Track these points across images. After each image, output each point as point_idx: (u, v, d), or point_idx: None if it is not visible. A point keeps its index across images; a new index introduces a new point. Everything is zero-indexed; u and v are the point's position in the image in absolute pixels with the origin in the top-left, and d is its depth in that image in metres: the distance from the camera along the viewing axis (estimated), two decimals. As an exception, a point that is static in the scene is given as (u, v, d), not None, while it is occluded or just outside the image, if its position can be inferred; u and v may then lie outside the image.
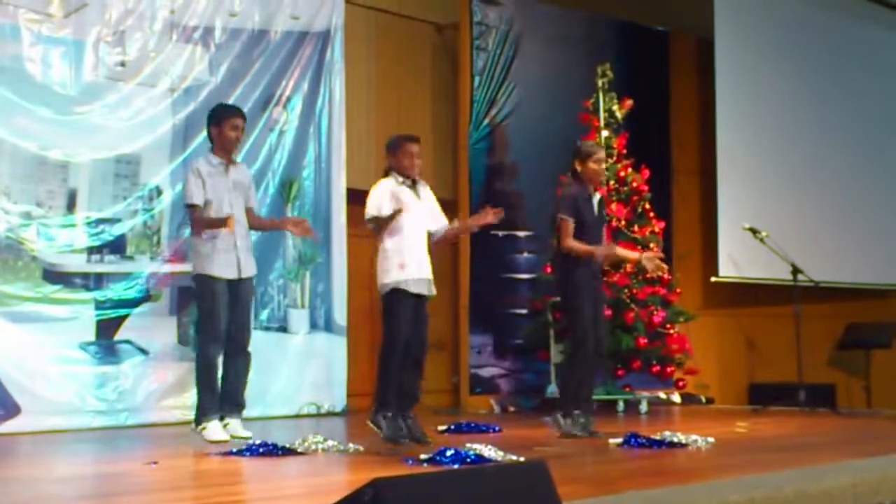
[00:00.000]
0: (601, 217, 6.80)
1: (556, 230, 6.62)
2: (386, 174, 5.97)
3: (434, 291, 5.92)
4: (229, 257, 6.18)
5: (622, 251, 7.32)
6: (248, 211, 6.43)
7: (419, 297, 5.81)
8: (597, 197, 6.75)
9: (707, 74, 11.06)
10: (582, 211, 6.60)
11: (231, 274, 6.18)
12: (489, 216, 6.07)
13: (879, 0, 12.40)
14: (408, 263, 5.74)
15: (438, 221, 6.05)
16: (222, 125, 6.28)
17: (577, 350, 6.60)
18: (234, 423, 6.15)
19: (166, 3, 7.98)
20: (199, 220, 6.19)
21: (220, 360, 6.20)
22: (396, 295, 5.73)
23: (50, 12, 7.46)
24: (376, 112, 9.49)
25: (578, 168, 6.69)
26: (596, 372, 7.02)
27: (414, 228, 5.84)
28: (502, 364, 9.64)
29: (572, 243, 6.51)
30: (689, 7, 11.20)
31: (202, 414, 6.10)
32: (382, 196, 5.82)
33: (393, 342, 5.73)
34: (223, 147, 6.30)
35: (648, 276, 7.94)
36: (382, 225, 5.74)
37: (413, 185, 5.91)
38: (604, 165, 6.86)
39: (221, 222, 6.05)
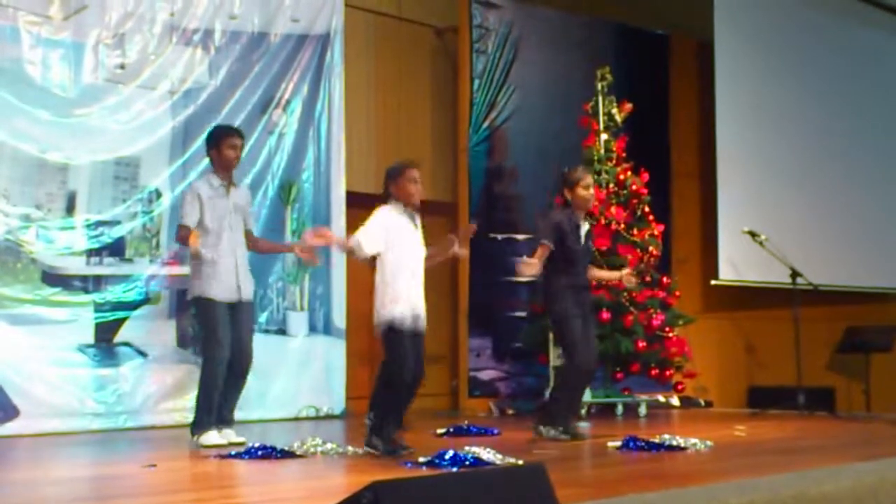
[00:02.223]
0: (588, 247, 6.78)
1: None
2: (384, 200, 5.82)
3: (423, 327, 5.77)
4: (229, 280, 6.16)
5: (603, 273, 7.32)
6: (248, 233, 6.41)
7: (415, 333, 5.69)
8: (585, 227, 6.72)
9: (707, 78, 11.06)
10: (567, 239, 6.57)
11: (230, 296, 6.16)
12: (466, 234, 6.14)
13: (879, 3, 12.41)
14: (400, 298, 5.62)
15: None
16: (221, 146, 6.26)
17: (569, 369, 6.62)
18: (227, 431, 6.14)
19: (166, 5, 7.98)
20: (181, 238, 6.17)
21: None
22: (392, 333, 5.61)
23: (50, 14, 7.46)
24: (376, 115, 9.50)
25: (568, 196, 6.68)
26: (585, 391, 7.01)
27: (409, 261, 5.72)
28: (501, 367, 9.64)
29: (528, 265, 6.43)
30: (688, 10, 11.21)
31: (199, 427, 6.11)
32: (377, 228, 5.67)
33: (397, 372, 5.61)
34: (223, 167, 6.27)
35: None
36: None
37: (412, 215, 5.81)
38: (592, 191, 6.78)
39: (187, 237, 6.02)
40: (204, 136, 7.88)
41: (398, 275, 5.66)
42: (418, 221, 5.88)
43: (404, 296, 5.65)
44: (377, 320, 5.68)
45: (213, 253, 6.13)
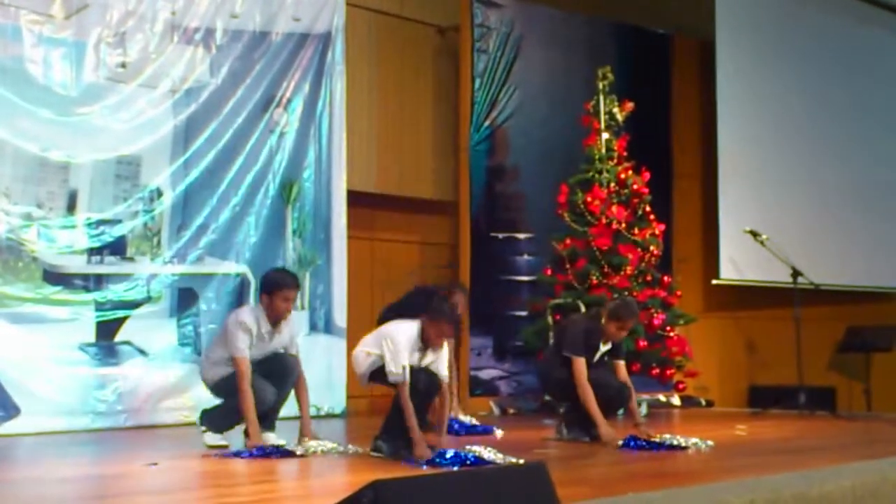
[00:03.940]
0: (600, 362, 6.58)
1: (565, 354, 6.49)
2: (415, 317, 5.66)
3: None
4: (260, 406, 5.93)
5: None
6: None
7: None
8: (604, 349, 6.53)
9: (708, 77, 11.06)
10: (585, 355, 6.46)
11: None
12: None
13: (880, 3, 12.40)
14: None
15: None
16: (273, 296, 6.01)
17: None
18: (269, 435, 5.99)
19: (167, 4, 7.97)
20: (244, 397, 5.85)
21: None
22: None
23: (51, 13, 7.46)
24: (377, 114, 9.49)
25: (603, 321, 6.47)
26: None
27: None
28: (502, 366, 9.63)
29: (587, 394, 6.30)
30: (690, 10, 11.20)
31: (210, 423, 6.03)
32: (403, 352, 5.48)
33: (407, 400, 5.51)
34: (272, 317, 6.04)
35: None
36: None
37: (427, 347, 5.55)
38: (625, 334, 6.56)
39: (249, 435, 5.84)
40: (205, 135, 7.90)
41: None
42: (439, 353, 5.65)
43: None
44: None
45: (246, 385, 5.87)
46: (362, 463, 5.36)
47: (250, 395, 5.81)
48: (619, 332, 6.45)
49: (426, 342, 5.53)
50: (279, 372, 6.06)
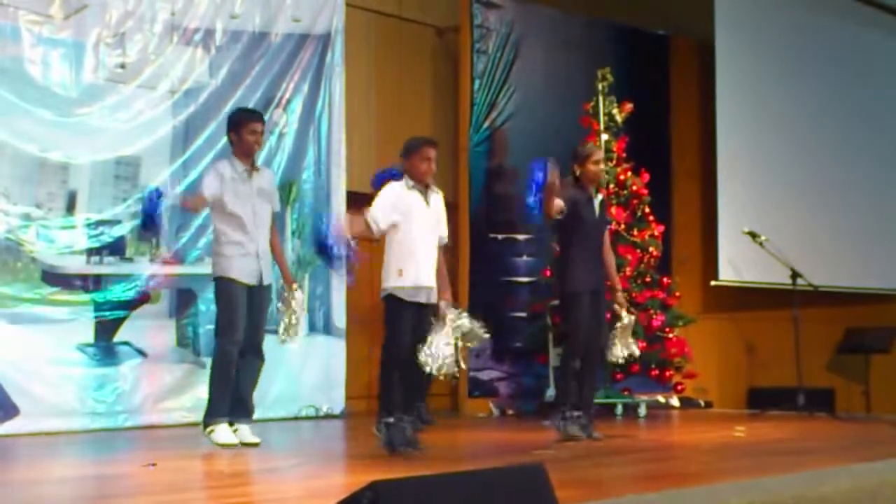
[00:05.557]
0: (602, 219, 6.77)
1: (555, 232, 6.62)
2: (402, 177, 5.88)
3: (434, 300, 5.76)
4: (250, 263, 6.15)
5: (613, 273, 6.95)
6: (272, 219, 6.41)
7: (420, 305, 5.70)
8: (598, 198, 6.74)
9: (707, 78, 11.06)
10: (581, 212, 6.58)
11: (252, 280, 6.14)
12: None
13: (879, 4, 12.41)
14: (406, 271, 5.65)
15: (440, 231, 5.93)
16: (241, 131, 6.21)
17: (571, 352, 6.58)
18: (244, 429, 6.11)
19: (167, 5, 7.97)
20: (189, 202, 6.41)
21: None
22: (392, 301, 5.67)
23: (50, 14, 7.46)
24: (376, 115, 9.50)
25: (577, 171, 6.70)
26: (597, 375, 6.95)
27: (418, 235, 5.72)
28: (501, 367, 9.63)
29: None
30: (689, 11, 11.20)
31: (212, 415, 6.05)
32: (384, 204, 5.71)
33: (390, 348, 5.67)
34: (243, 152, 6.23)
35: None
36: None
37: (424, 191, 5.80)
38: (602, 166, 6.83)
39: (198, 201, 6.19)
40: (204, 136, 7.91)
41: (406, 247, 5.67)
42: (433, 198, 5.83)
43: (409, 267, 5.65)
44: (381, 288, 5.74)
45: (241, 236, 6.13)
46: (362, 463, 5.36)
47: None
48: (595, 166, 6.67)
49: (417, 178, 5.74)
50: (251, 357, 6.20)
